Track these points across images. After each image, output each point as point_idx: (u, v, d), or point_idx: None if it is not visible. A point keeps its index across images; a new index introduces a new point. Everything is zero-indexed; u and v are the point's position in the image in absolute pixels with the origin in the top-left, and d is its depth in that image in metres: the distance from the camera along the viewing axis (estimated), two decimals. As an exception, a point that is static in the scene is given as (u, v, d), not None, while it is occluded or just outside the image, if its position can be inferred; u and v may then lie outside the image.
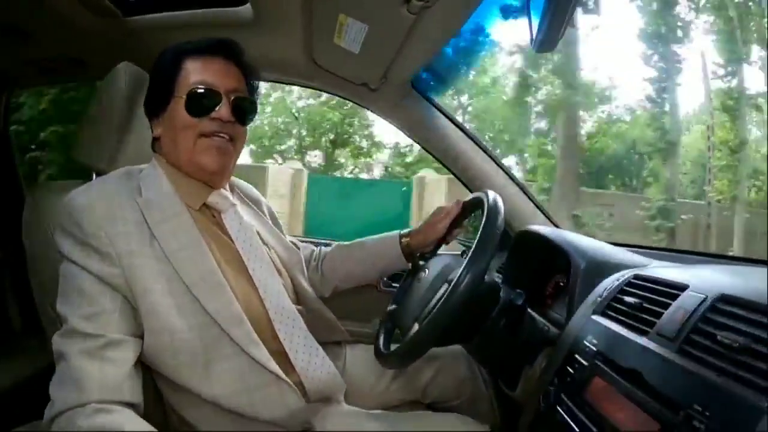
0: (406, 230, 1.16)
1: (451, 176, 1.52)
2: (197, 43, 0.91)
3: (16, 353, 1.20)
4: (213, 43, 0.91)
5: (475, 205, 1.05)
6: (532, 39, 0.83)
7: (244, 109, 0.91)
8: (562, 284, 1.08)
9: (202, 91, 0.87)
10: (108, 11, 1.13)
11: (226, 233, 0.92)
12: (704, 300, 0.64)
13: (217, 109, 0.87)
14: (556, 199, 9.51)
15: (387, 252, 1.15)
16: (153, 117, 0.93)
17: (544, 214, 1.43)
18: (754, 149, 9.88)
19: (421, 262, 1.09)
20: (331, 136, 13.87)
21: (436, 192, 8.74)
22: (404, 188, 9.45)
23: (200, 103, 0.87)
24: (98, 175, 0.99)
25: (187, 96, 0.86)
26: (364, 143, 14.32)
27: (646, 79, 10.46)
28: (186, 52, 0.90)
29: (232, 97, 0.89)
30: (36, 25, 1.21)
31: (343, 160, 14.33)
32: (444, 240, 1.12)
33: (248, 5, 1.10)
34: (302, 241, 1.25)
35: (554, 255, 1.05)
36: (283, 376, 0.84)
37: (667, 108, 10.41)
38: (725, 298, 0.62)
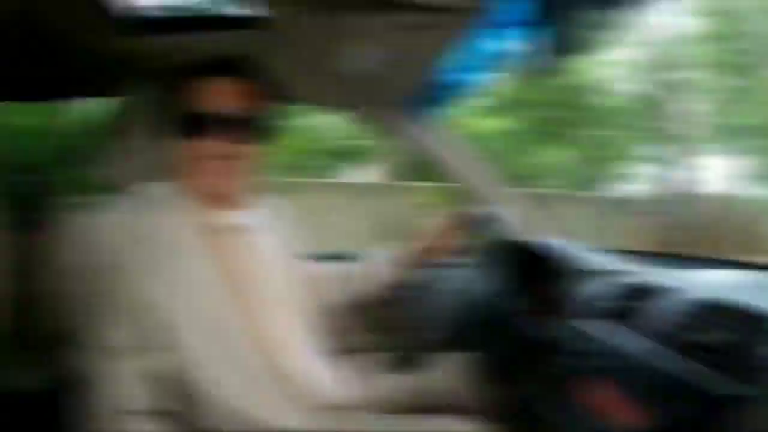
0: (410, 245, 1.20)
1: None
2: (204, 62, 0.90)
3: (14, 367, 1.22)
4: (219, 63, 0.90)
5: (473, 221, 1.11)
6: (527, 63, 0.88)
7: (247, 130, 0.89)
8: (552, 290, 1.13)
9: (197, 113, 0.86)
10: (111, 31, 1.15)
11: (238, 258, 0.93)
12: (684, 303, 0.69)
13: (213, 131, 0.86)
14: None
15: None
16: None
17: (534, 224, 1.49)
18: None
19: (428, 273, 1.15)
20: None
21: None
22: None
23: (193, 126, 0.86)
24: (113, 191, 1.01)
25: (183, 118, 0.87)
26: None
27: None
28: (193, 71, 0.89)
29: (233, 118, 0.87)
30: (39, 42, 1.23)
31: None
32: (448, 251, 1.16)
33: (249, 30, 1.13)
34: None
35: (545, 262, 1.11)
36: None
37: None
38: (703, 302, 0.67)
